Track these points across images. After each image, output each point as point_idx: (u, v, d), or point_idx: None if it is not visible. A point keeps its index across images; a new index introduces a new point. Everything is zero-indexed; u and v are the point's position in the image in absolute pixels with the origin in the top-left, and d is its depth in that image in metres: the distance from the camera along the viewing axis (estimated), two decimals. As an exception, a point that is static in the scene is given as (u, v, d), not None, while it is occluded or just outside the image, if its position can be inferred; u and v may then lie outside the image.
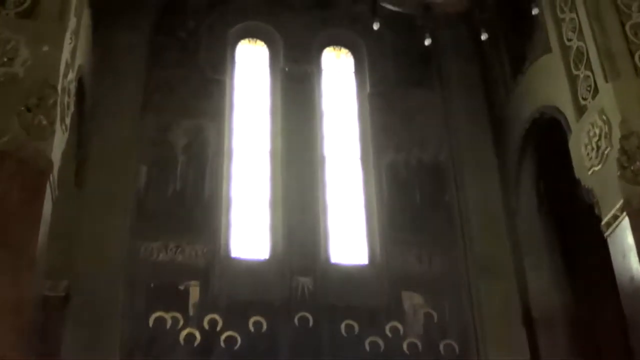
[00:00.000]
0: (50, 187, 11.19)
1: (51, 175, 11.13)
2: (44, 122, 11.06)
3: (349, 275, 15.55)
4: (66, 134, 12.06)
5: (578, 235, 15.59)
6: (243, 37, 18.12)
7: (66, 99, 11.93)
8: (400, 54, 17.68)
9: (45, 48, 11.54)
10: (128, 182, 15.20)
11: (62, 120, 11.70)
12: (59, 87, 11.46)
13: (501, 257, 15.77)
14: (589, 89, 13.18)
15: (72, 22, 12.23)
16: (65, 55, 11.91)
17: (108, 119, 15.45)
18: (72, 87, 12.50)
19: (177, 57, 16.84)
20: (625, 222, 11.84)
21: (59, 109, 11.37)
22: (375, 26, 9.10)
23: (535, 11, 9.63)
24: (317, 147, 16.88)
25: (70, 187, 14.02)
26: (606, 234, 12.35)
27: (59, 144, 11.55)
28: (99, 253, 14.14)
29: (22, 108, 10.94)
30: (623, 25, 13.04)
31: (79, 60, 13.04)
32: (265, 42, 18.14)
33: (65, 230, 13.41)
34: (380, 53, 17.86)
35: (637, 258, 11.47)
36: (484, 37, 9.39)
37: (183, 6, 17.44)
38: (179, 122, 16.19)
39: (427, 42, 9.32)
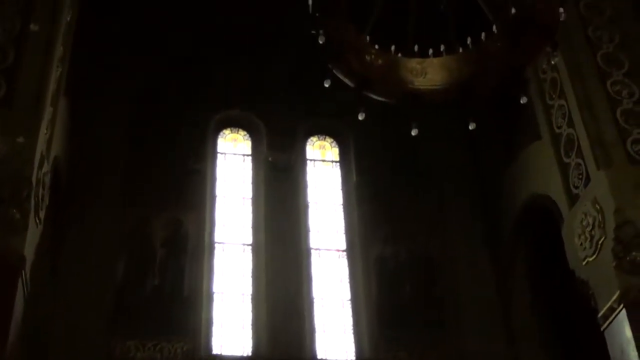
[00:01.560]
0: (23, 284, 10.81)
1: (23, 272, 10.75)
2: (17, 216, 10.75)
3: (336, 373, 15.07)
4: (40, 228, 11.74)
5: (575, 328, 15.23)
6: (225, 127, 17.93)
7: (41, 191, 11.64)
8: (388, 143, 17.43)
9: (20, 139, 11.28)
10: (105, 277, 14.78)
11: (36, 213, 11.38)
12: (34, 180, 11.17)
13: (495, 353, 15.25)
14: (580, 177, 13.00)
15: (48, 112, 11.99)
16: (41, 146, 11.64)
17: (84, 211, 15.15)
18: (47, 179, 12.19)
19: (156, 147, 16.57)
20: (623, 315, 11.51)
21: (33, 202, 11.06)
22: (361, 117, 8.84)
23: (523, 100, 9.46)
24: (301, 240, 16.50)
25: (44, 282, 13.49)
26: (603, 327, 12.01)
27: (32, 238, 11.20)
28: (73, 352, 13.63)
29: (-6, 201, 10.59)
30: (614, 111, 12.99)
31: (54, 151, 12.77)
32: (248, 132, 17.93)
33: (38, 328, 12.98)
34: (366, 142, 17.66)
35: (636, 352, 11.11)
36: (472, 126, 9.14)
37: (163, 95, 17.23)
38: (158, 214, 15.83)
39: (414, 132, 9.06)
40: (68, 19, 13.04)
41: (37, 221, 11.45)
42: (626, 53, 13.61)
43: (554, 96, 13.88)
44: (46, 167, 12.05)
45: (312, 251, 16.56)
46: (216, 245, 16.27)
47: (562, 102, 13.63)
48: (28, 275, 10.99)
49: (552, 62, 9.75)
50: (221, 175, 17.30)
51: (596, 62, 13.52)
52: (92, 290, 14.40)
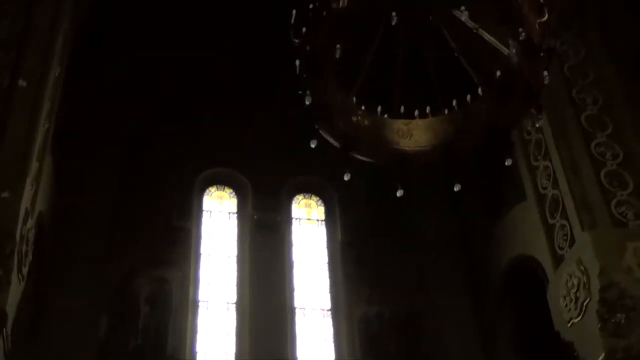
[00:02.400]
0: (3, 341, 10.68)
1: (4, 329, 10.61)
2: (0, 273, 10.59)
3: None
4: (22, 284, 11.60)
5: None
6: (211, 184, 17.91)
7: (24, 247, 11.52)
8: (373, 202, 17.42)
9: (5, 194, 11.22)
10: (87, 334, 14.56)
11: (19, 269, 11.27)
12: (17, 236, 11.06)
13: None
14: (565, 238, 13.04)
15: (33, 167, 11.94)
16: (26, 202, 11.56)
17: (67, 267, 14.93)
18: (31, 235, 12.09)
19: (142, 204, 16.48)
20: (608, 377, 11.41)
21: (16, 258, 10.94)
22: (346, 177, 8.84)
23: (508, 162, 9.48)
24: (286, 299, 16.37)
25: (26, 338, 13.27)
26: (588, 390, 11.90)
27: (14, 295, 11.05)
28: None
29: (-23, 258, 10.50)
30: (598, 173, 13.05)
31: (39, 207, 12.68)
32: (234, 189, 17.91)
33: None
34: (352, 201, 17.66)
35: (622, 415, 11.00)
36: (457, 187, 9.16)
37: (149, 152, 17.21)
38: (142, 271, 15.69)
39: (399, 193, 9.06)
40: (57, 74, 13.06)
41: (20, 277, 11.32)
42: (610, 115, 13.76)
43: (538, 157, 13.97)
44: (30, 223, 11.95)
45: (297, 310, 16.43)
46: (200, 303, 16.11)
47: (547, 163, 13.72)
48: (9, 332, 10.82)
49: (537, 125, 9.82)
50: (206, 232, 17.23)
51: (580, 123, 13.66)
52: (74, 348, 14.13)
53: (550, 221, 13.47)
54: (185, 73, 17.76)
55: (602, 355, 11.50)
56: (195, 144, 17.54)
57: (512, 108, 8.74)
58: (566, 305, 12.60)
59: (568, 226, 12.94)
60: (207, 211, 17.59)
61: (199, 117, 17.79)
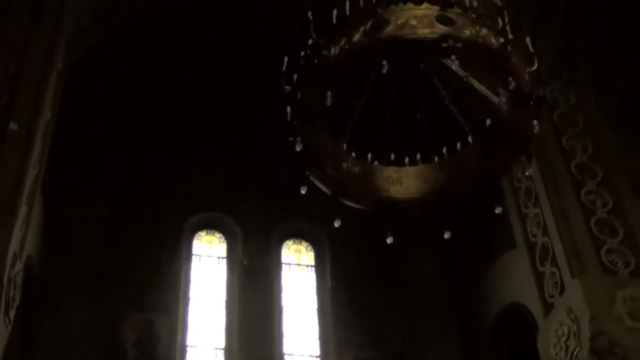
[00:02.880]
0: (-9, 385, 10.50)
1: (-9, 374, 10.47)
2: (-13, 317, 10.51)
3: None
4: (9, 328, 11.49)
5: None
6: (201, 229, 17.85)
7: (12, 291, 11.39)
8: (364, 248, 17.36)
9: (-7, 237, 11.09)
10: (75, 380, 14.39)
11: (6, 313, 11.18)
12: (5, 279, 10.96)
13: None
14: (555, 285, 13.02)
15: (23, 210, 11.85)
16: (14, 246, 11.47)
17: (56, 311, 14.89)
18: (19, 279, 11.99)
19: (130, 248, 16.42)
20: None
21: (3, 302, 10.86)
22: (337, 223, 8.84)
23: (498, 210, 9.49)
24: (275, 345, 16.25)
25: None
26: None
27: (1, 339, 10.98)
28: None
29: (-37, 303, 10.43)
30: (588, 221, 13.06)
31: (27, 250, 12.60)
32: (224, 234, 17.85)
33: None
34: (342, 247, 17.60)
35: None
36: (447, 235, 9.17)
37: (139, 195, 17.21)
38: (130, 315, 15.60)
39: (389, 240, 9.06)
40: (47, 118, 13.06)
41: (7, 322, 11.23)
42: (599, 163, 13.82)
43: (529, 205, 13.99)
44: (18, 267, 11.86)
45: (286, 356, 16.30)
46: (188, 348, 15.98)
47: (537, 210, 13.73)
48: (-4, 379, 10.69)
49: (527, 173, 9.86)
50: (195, 277, 17.14)
51: (570, 171, 13.72)
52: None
53: (540, 269, 13.44)
54: (176, 118, 17.80)
55: (594, 404, 11.45)
56: (185, 188, 17.53)
57: (502, 156, 8.76)
58: (556, 354, 12.51)
59: (558, 274, 12.92)
60: (196, 255, 17.52)
61: (189, 161, 17.80)
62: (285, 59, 8.22)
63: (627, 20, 15.06)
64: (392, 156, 9.20)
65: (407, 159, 9.29)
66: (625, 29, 15.07)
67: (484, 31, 7.84)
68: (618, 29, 15.07)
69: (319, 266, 17.89)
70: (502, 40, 7.86)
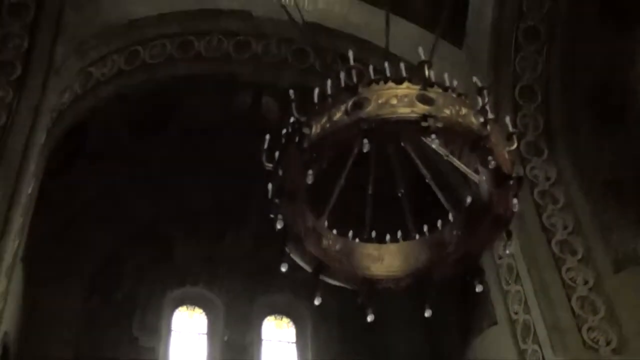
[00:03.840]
0: None
1: None
2: (-40, 392, 10.32)
3: None
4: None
5: None
6: (181, 303, 17.69)
7: (-13, 368, 11.20)
8: (344, 325, 17.23)
9: (-30, 312, 10.96)
10: None
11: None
12: (-20, 355, 10.78)
13: None
14: (538, 363, 12.88)
15: (1, 283, 11.70)
16: (-9, 320, 11.30)
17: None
18: (-5, 355, 11.80)
19: (110, 323, 16.26)
20: None
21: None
22: (317, 301, 8.76)
23: (479, 288, 9.43)
24: (255, 422, 15.96)
25: None
26: None
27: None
28: None
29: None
30: (569, 298, 13.05)
31: (5, 326, 12.41)
32: (204, 309, 17.71)
33: None
34: (323, 323, 17.48)
35: None
36: (428, 313, 9.11)
37: (119, 270, 17.08)
38: (108, 392, 15.30)
39: (370, 318, 8.99)
40: (29, 191, 13.00)
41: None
42: (580, 240, 13.87)
43: (510, 282, 13.97)
44: (-5, 343, 11.73)
45: None
46: None
47: (519, 287, 13.71)
48: None
49: (507, 251, 9.84)
50: (174, 353, 16.93)
51: (551, 248, 13.74)
52: None
53: (523, 346, 13.39)
54: (157, 193, 17.76)
55: None
56: (166, 262, 17.45)
57: (482, 234, 8.75)
58: None
59: (540, 351, 12.88)
60: (176, 331, 17.33)
61: (170, 236, 17.73)
62: (267, 136, 8.26)
63: (604, 96, 15.20)
64: (373, 233, 9.19)
65: (388, 236, 9.27)
66: (604, 105, 15.20)
67: (464, 110, 7.89)
68: (596, 104, 15.21)
69: (300, 342, 17.74)
70: (482, 119, 7.91)
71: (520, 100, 14.89)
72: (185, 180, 17.77)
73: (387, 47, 9.66)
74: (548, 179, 14.72)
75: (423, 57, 8.09)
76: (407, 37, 13.95)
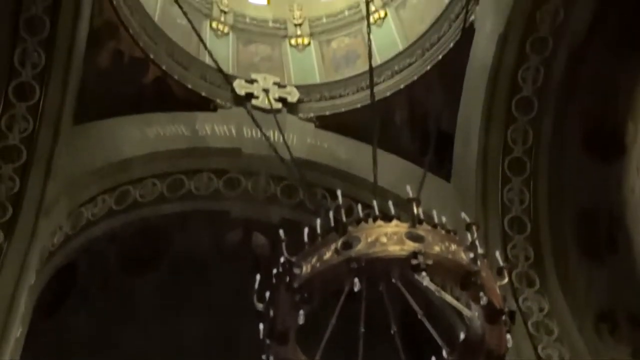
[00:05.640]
0: None
1: None
2: None
3: None
4: None
5: None
6: None
7: None
8: None
9: None
10: None
11: None
12: None
13: None
14: None
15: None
16: None
17: None
18: None
19: None
20: None
21: None
22: None
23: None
24: None
25: None
26: None
27: None
28: None
29: None
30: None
31: None
32: None
33: None
34: None
35: None
36: None
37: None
38: None
39: None
40: (17, 335, 12.83)
41: None
42: (577, 372, 13.69)
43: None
44: None
45: None
46: None
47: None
48: None
49: (504, 385, 9.74)
50: None
51: (549, 380, 13.57)
52: None
53: None
54: (149, 327, 17.58)
55: None
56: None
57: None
58: None
59: None
60: None
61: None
62: (257, 276, 8.28)
63: (591, 226, 15.27)
64: (366, 372, 9.11)
65: (381, 375, 9.19)
66: (591, 235, 15.26)
67: (454, 247, 7.96)
68: (584, 234, 15.24)
69: None
70: (471, 255, 7.96)
71: (510, 231, 14.95)
72: (178, 315, 17.61)
73: (375, 184, 9.83)
74: (541, 309, 14.61)
75: (411, 195, 8.21)
76: (395, 172, 14.19)
